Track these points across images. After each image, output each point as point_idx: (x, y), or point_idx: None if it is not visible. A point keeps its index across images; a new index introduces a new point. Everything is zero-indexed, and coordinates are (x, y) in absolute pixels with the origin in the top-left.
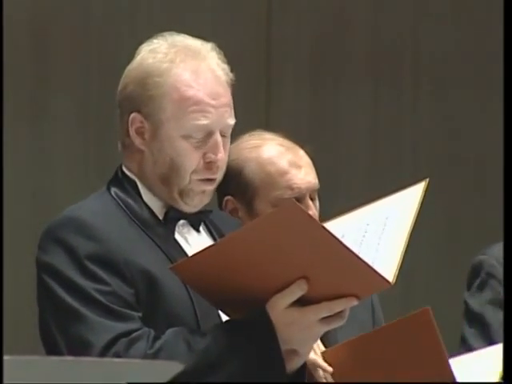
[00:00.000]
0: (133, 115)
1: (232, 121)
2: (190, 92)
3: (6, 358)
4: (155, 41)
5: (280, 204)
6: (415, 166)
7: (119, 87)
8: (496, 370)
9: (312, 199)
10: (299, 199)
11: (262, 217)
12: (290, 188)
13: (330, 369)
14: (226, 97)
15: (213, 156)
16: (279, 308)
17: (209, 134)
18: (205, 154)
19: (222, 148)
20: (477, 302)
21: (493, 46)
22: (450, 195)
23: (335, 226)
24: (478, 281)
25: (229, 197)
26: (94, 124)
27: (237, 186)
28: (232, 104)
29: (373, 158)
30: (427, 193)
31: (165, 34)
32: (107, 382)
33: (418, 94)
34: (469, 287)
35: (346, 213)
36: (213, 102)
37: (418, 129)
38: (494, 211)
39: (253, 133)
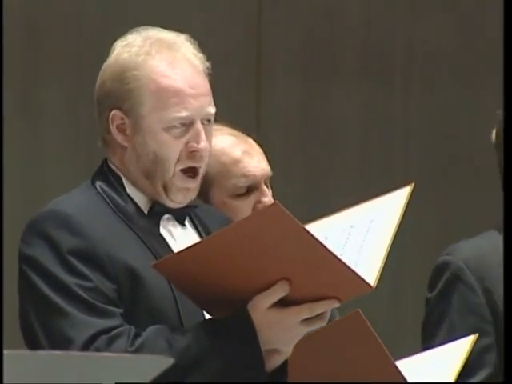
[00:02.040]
0: (113, 112)
1: (212, 109)
2: (168, 82)
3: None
4: (129, 36)
5: (235, 192)
6: (407, 163)
7: (97, 85)
8: (453, 369)
9: (266, 186)
10: (254, 186)
11: (247, 217)
12: (245, 176)
13: None
14: (205, 86)
15: (195, 145)
16: (261, 308)
17: (190, 124)
18: (187, 144)
19: (204, 137)
20: (442, 306)
21: (485, 46)
22: (440, 194)
23: (319, 227)
24: (442, 282)
25: None
26: (84, 116)
27: None
28: (211, 92)
29: (364, 156)
30: (418, 193)
31: (138, 28)
32: (95, 377)
33: (410, 91)
34: (432, 288)
35: (330, 214)
36: (192, 92)
37: (410, 127)
38: (485, 210)
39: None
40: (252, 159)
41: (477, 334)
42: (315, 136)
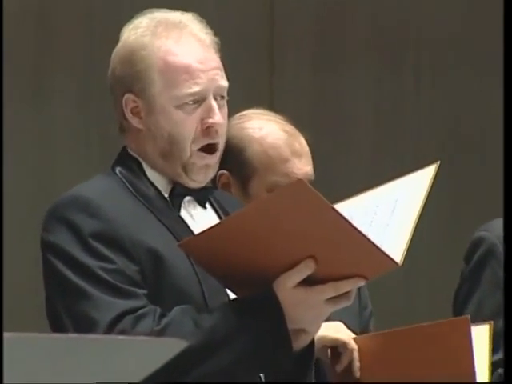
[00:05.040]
0: (126, 96)
1: (224, 83)
2: (176, 59)
3: (6, 335)
4: (135, 19)
5: (274, 189)
6: (418, 149)
7: (109, 72)
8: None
9: None
10: None
11: (271, 194)
12: (288, 176)
13: (355, 347)
14: (214, 59)
15: (210, 120)
16: (286, 287)
17: (202, 100)
18: (201, 120)
19: (217, 111)
20: (473, 279)
21: (494, 31)
22: (452, 179)
23: (344, 208)
24: (476, 257)
25: (224, 171)
26: (95, 100)
27: (235, 163)
28: (222, 66)
29: (376, 141)
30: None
31: (145, 11)
32: (110, 360)
33: (421, 74)
34: (467, 262)
35: (354, 195)
36: (201, 67)
37: (421, 112)
38: (496, 195)
39: (255, 111)
40: (299, 160)
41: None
42: (326, 123)
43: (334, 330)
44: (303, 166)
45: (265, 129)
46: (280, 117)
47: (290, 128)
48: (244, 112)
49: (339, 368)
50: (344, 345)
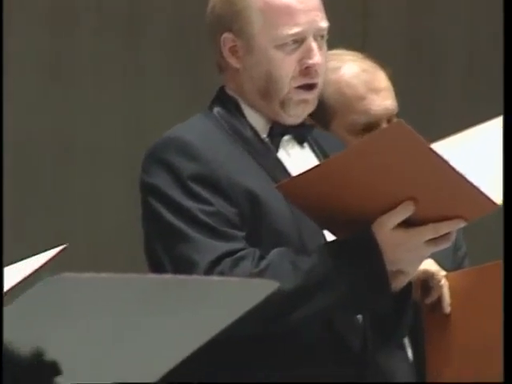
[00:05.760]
0: (224, 35)
1: (324, 24)
2: (277, 0)
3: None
4: None
5: (354, 128)
6: None
7: (207, 10)
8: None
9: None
10: (375, 124)
11: (369, 136)
12: (367, 113)
13: (444, 281)
14: (315, 0)
15: (309, 61)
16: (386, 229)
17: (302, 40)
18: (300, 61)
19: (317, 52)
20: None
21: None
22: None
23: (439, 149)
24: None
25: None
26: (188, 45)
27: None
28: (322, 7)
29: (467, 85)
30: None
31: None
32: (206, 300)
33: None
34: None
35: (447, 137)
36: (302, 7)
37: None
38: None
39: (335, 52)
40: (377, 97)
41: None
42: (420, 66)
43: (424, 265)
44: (382, 102)
45: (341, 69)
46: (360, 55)
47: (367, 64)
48: None
49: (428, 300)
50: (433, 277)
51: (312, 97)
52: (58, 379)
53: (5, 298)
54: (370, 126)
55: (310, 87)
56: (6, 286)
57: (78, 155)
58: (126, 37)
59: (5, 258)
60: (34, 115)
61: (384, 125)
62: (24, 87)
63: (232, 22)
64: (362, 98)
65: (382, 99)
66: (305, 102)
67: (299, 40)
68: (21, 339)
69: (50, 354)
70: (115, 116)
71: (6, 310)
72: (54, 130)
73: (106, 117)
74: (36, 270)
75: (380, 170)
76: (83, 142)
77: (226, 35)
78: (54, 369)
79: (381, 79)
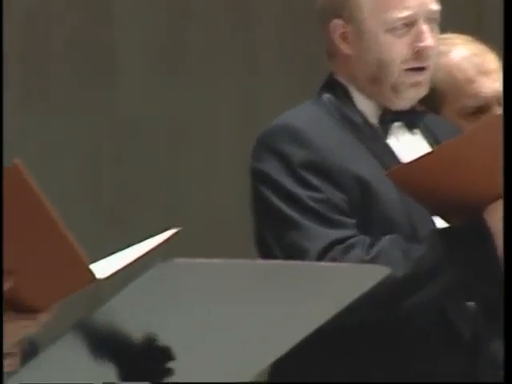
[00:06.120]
0: (334, 21)
1: (435, 6)
2: None
3: (216, 261)
4: None
5: (464, 112)
6: None
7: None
8: None
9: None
10: (486, 107)
11: (481, 124)
12: (477, 96)
13: None
14: None
15: (421, 44)
16: (497, 216)
17: (412, 24)
18: (411, 44)
19: (428, 35)
20: None
21: None
22: None
23: None
24: None
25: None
26: (300, 32)
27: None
28: None
29: None
30: None
31: None
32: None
33: None
34: None
35: None
36: None
37: None
38: None
39: (443, 36)
40: (486, 79)
41: None
42: None
43: None
44: (492, 84)
45: (451, 53)
46: (469, 38)
47: (476, 47)
48: None
49: None
50: None
51: (424, 78)
52: (171, 364)
53: (111, 281)
54: (481, 110)
55: (421, 69)
56: (116, 268)
57: (194, 143)
58: (237, 24)
59: (123, 237)
60: (148, 102)
61: (495, 108)
62: (139, 75)
63: (341, 7)
64: (471, 81)
65: (492, 81)
66: (417, 84)
67: (409, 23)
68: (133, 325)
69: (163, 340)
70: (228, 103)
71: (119, 295)
72: (168, 117)
73: (219, 104)
74: (147, 253)
75: (491, 156)
76: (197, 129)
77: (336, 21)
78: (166, 354)
79: (490, 61)
